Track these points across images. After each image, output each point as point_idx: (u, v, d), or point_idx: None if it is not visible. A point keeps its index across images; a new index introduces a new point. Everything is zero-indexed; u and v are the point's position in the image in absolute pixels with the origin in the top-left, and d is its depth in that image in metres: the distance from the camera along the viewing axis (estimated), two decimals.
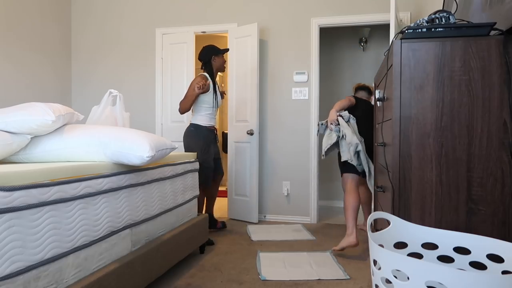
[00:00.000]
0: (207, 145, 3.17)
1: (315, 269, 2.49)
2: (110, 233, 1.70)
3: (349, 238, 2.76)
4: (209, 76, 3.17)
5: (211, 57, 3.18)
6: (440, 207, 1.64)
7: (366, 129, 3.03)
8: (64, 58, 4.50)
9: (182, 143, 4.00)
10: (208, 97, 3.15)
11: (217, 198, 5.14)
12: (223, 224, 3.53)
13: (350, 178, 2.91)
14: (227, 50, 3.29)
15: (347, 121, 2.95)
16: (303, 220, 3.92)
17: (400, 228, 1.53)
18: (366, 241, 3.12)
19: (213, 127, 3.27)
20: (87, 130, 1.82)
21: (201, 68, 3.26)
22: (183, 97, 3.10)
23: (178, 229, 2.35)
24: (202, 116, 3.18)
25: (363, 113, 3.07)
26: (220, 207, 4.60)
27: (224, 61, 3.25)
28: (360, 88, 3.46)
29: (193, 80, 3.10)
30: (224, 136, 5.66)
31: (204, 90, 3.02)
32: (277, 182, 4.02)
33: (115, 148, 1.74)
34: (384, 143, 2.04)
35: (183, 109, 3.06)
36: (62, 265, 1.42)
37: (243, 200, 3.91)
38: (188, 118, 4.11)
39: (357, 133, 2.96)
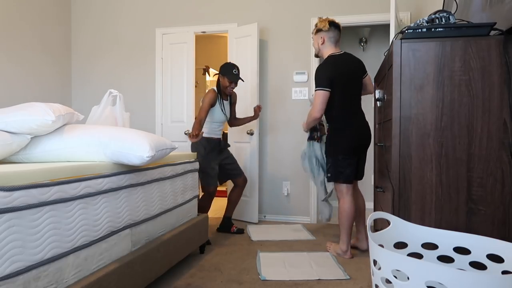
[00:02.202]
0: (206, 153, 3.16)
1: (315, 269, 2.49)
2: (110, 233, 1.70)
3: (344, 256, 2.72)
4: (217, 91, 3.18)
5: (219, 74, 3.20)
6: (440, 207, 1.64)
7: (354, 96, 2.73)
8: (64, 59, 4.50)
9: (182, 143, 4.03)
10: (214, 113, 3.17)
11: (217, 198, 5.14)
12: (239, 230, 3.44)
13: (344, 186, 2.72)
14: (237, 78, 3.16)
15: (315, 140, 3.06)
16: (303, 220, 3.92)
17: (400, 228, 1.53)
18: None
19: (214, 138, 3.25)
20: (87, 130, 1.82)
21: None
22: (199, 113, 3.07)
23: (178, 229, 2.35)
24: (205, 129, 3.18)
25: (345, 80, 2.66)
26: (221, 207, 4.59)
27: (227, 86, 3.16)
28: (332, 24, 2.71)
29: (205, 97, 3.11)
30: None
31: (197, 138, 2.89)
32: (277, 182, 4.02)
33: (115, 148, 1.74)
34: (384, 143, 2.04)
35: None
36: (62, 265, 1.42)
37: (243, 200, 3.91)
38: (188, 118, 4.12)
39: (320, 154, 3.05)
